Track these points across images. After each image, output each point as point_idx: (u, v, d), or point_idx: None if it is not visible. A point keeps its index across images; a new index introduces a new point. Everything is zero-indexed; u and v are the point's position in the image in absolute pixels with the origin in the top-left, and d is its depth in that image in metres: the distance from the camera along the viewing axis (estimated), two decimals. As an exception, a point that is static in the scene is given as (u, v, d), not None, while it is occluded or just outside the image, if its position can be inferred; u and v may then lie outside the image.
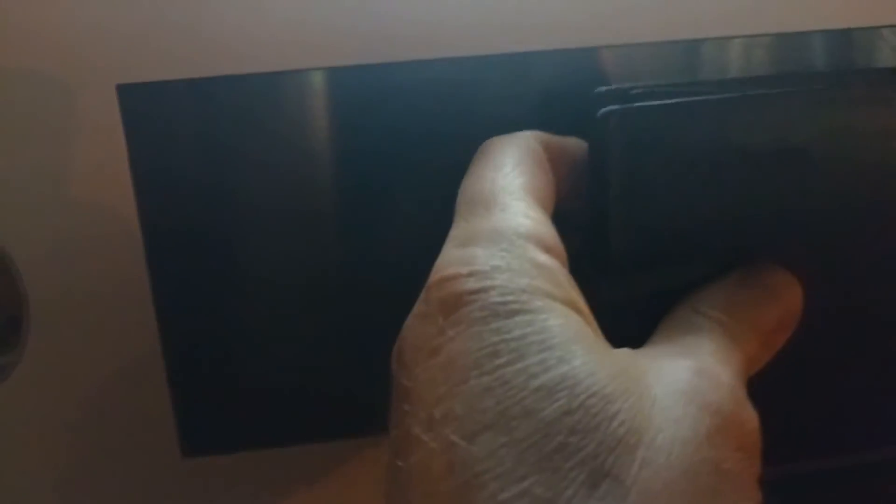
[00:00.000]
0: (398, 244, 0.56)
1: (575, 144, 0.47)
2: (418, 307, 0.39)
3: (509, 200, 0.40)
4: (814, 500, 0.60)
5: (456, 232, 0.40)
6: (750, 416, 0.36)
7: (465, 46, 0.53)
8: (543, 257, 0.38)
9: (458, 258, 0.38)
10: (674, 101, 0.43)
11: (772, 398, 0.37)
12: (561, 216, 0.43)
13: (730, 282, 0.43)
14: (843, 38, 0.58)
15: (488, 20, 0.53)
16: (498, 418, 0.32)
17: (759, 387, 0.39)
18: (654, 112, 0.43)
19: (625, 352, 0.37)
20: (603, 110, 0.43)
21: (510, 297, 0.35)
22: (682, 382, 0.35)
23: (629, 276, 0.45)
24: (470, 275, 0.36)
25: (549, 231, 0.40)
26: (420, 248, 0.55)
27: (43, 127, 0.51)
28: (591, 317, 0.38)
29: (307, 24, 0.52)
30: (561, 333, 0.34)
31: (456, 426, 0.33)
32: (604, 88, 0.45)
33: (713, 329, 0.40)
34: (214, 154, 0.53)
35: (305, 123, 0.54)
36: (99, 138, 0.51)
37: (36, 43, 0.50)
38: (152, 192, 0.53)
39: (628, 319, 0.43)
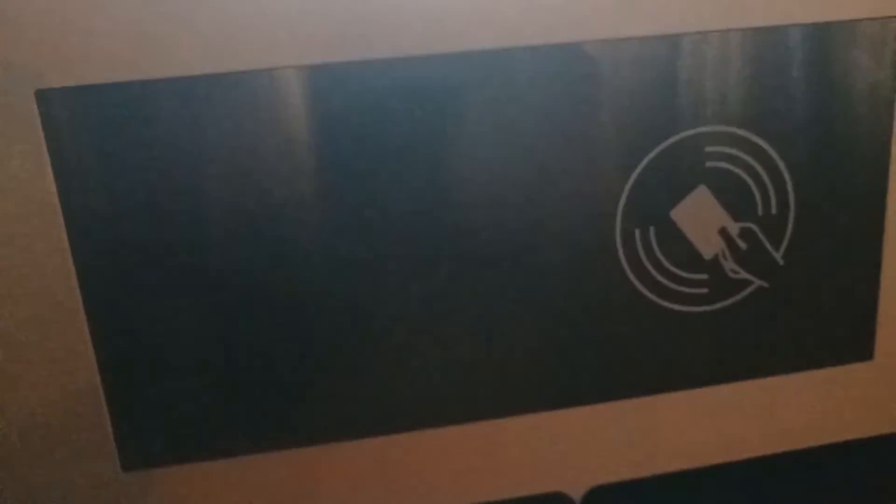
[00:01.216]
0: (348, 249, 0.54)
1: None
2: None
3: None
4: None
5: None
6: None
7: (444, 42, 0.50)
8: None
9: None
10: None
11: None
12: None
13: None
14: (818, 32, 0.55)
15: (468, 15, 0.50)
16: None
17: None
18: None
19: None
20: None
21: None
22: None
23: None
24: None
25: None
26: (372, 251, 0.55)
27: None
28: None
29: (262, 20, 0.49)
30: None
31: None
32: None
33: None
34: (144, 160, 0.50)
35: (250, 126, 0.51)
36: (19, 147, 0.49)
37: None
38: (79, 203, 0.50)
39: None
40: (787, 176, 0.56)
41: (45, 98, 0.48)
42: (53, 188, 0.50)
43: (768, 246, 0.58)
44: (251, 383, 0.56)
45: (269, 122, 0.51)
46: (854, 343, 0.62)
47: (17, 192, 0.50)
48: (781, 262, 0.58)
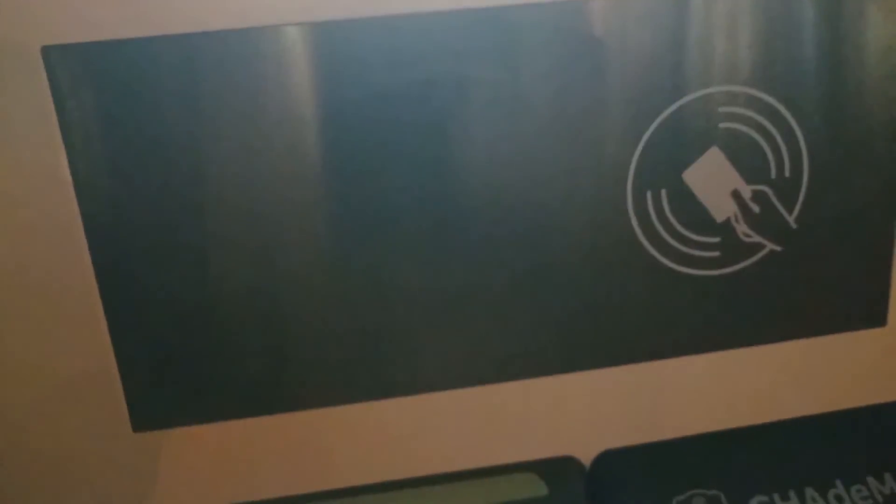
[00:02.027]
0: (353, 208, 0.54)
1: None
2: None
3: None
4: None
5: None
6: None
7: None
8: None
9: None
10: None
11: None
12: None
13: None
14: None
15: None
16: None
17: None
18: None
19: None
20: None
21: None
22: None
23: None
24: None
25: None
26: (378, 211, 0.55)
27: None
28: None
29: None
30: None
31: None
32: None
33: None
34: (153, 119, 0.50)
35: (253, 83, 0.50)
36: (26, 103, 0.49)
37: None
38: (85, 159, 0.50)
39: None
40: (801, 138, 0.56)
41: (50, 54, 0.48)
42: (60, 144, 0.49)
43: (781, 209, 0.57)
44: (261, 347, 0.56)
45: (272, 78, 0.51)
46: (867, 309, 0.61)
47: (24, 150, 0.50)
48: (794, 226, 0.58)
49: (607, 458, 0.61)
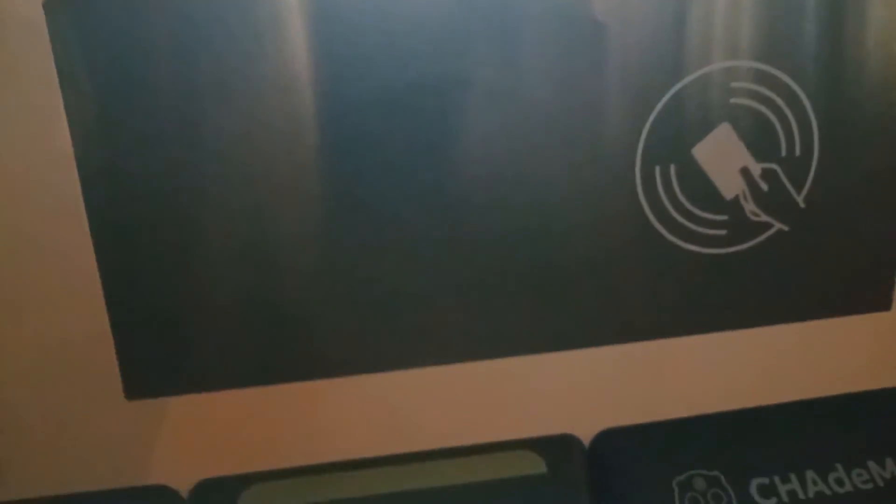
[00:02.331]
0: (348, 175, 0.53)
1: None
2: None
3: None
4: None
5: None
6: None
7: None
8: None
9: None
10: None
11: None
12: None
13: None
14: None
15: None
16: None
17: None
18: None
19: None
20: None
21: None
22: None
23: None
24: None
25: None
26: (375, 181, 0.54)
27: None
28: None
29: None
30: None
31: None
32: None
33: None
34: (148, 73, 0.49)
35: (251, 40, 0.49)
36: (28, 58, 0.48)
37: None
38: (86, 125, 0.49)
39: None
40: (812, 116, 0.55)
41: (52, 9, 0.47)
42: (60, 100, 0.48)
43: (790, 188, 0.56)
44: (259, 316, 0.55)
45: (269, 36, 0.50)
46: (872, 292, 0.61)
47: (24, 104, 0.49)
48: (803, 206, 0.57)
49: (607, 437, 0.61)
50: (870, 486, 0.58)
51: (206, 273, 0.54)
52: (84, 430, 0.55)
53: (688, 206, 0.55)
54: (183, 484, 0.57)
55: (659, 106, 0.53)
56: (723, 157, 0.55)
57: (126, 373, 0.54)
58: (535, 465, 0.59)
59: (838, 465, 0.58)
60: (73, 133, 0.49)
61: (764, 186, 0.56)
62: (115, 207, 0.51)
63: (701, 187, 0.55)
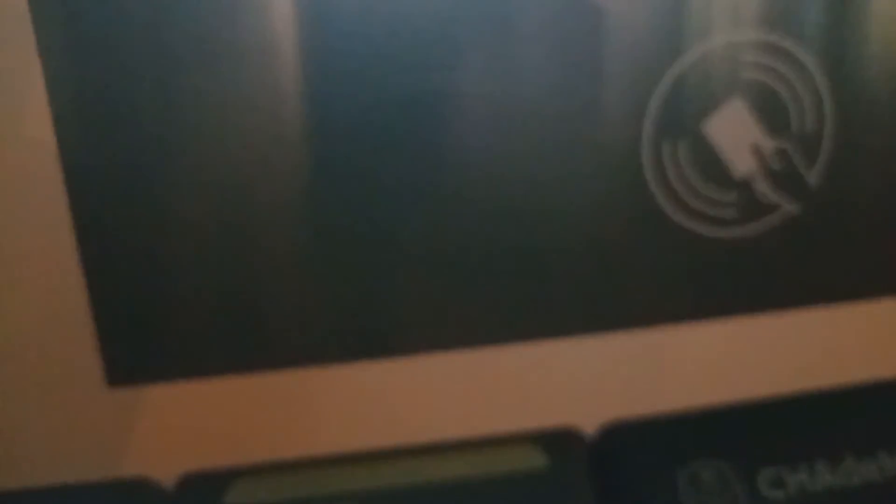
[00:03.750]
0: (337, 167, 0.50)
1: None
2: None
3: None
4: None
5: None
6: None
7: None
8: None
9: None
10: None
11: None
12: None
13: None
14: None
15: None
16: None
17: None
18: None
19: None
20: None
21: None
22: None
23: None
24: None
25: None
26: (365, 172, 0.52)
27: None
28: None
29: None
30: None
31: None
32: None
33: None
34: (148, 68, 0.47)
35: (238, 25, 0.47)
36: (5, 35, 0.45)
37: None
38: (70, 111, 0.47)
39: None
40: (827, 92, 0.53)
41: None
42: (42, 84, 0.46)
43: (802, 167, 0.54)
44: (240, 302, 0.53)
45: (253, 23, 0.47)
46: (886, 277, 0.59)
47: (3, 88, 0.46)
48: (814, 187, 0.55)
49: (610, 429, 0.59)
50: (880, 477, 0.56)
51: (191, 255, 0.52)
52: (62, 418, 0.53)
53: (696, 185, 0.54)
54: (166, 476, 0.54)
55: (666, 79, 0.51)
56: (734, 134, 0.53)
57: (108, 357, 0.52)
58: (535, 459, 0.57)
59: (848, 456, 0.57)
60: (54, 117, 0.47)
61: (775, 165, 0.54)
62: (97, 189, 0.49)
63: (710, 165, 0.53)
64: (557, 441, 0.58)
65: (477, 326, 0.56)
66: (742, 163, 0.54)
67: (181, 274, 0.52)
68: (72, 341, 0.51)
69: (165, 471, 0.54)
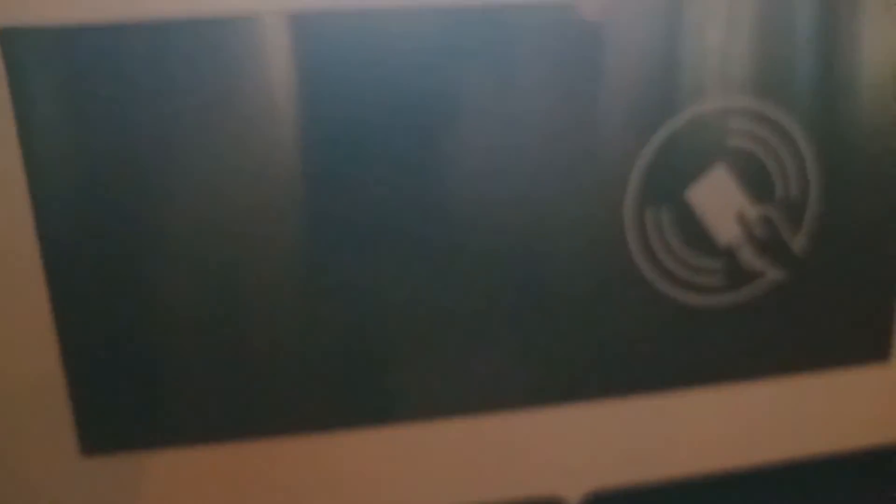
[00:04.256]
0: (331, 219, 0.50)
1: None
2: None
3: None
4: None
5: None
6: None
7: None
8: None
9: None
10: None
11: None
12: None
13: None
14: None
15: None
16: None
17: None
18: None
19: None
20: None
21: None
22: None
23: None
24: None
25: None
26: (359, 222, 0.51)
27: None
28: None
29: None
30: None
31: None
32: None
33: None
34: (118, 112, 0.46)
35: (228, 77, 0.47)
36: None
37: None
38: (42, 157, 0.46)
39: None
40: (810, 159, 0.53)
41: (9, 37, 0.44)
42: (14, 136, 0.45)
43: (786, 235, 0.54)
44: (229, 364, 0.52)
45: (248, 74, 0.47)
46: (870, 343, 0.58)
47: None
48: (799, 253, 0.55)
49: (594, 499, 0.57)
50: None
51: (174, 313, 0.50)
52: (33, 489, 0.51)
53: (680, 252, 0.53)
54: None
55: (650, 147, 0.51)
56: (718, 201, 0.53)
57: (82, 424, 0.50)
58: (518, 529, 0.56)
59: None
60: (27, 161, 0.46)
61: (760, 232, 0.54)
62: (73, 241, 0.48)
63: (694, 233, 0.53)
64: (542, 510, 0.57)
65: (462, 395, 0.55)
66: (726, 230, 0.53)
67: (163, 333, 0.51)
68: (43, 406, 0.50)
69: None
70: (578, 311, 0.54)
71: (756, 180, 0.53)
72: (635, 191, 0.52)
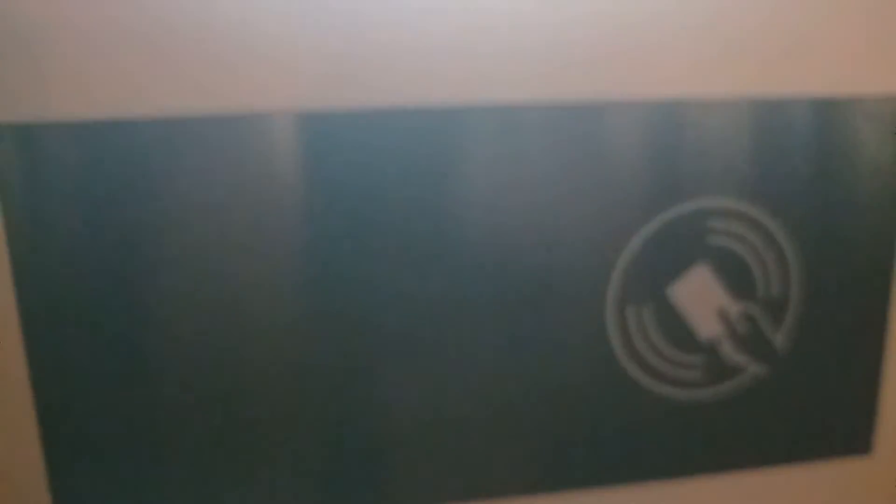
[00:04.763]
0: (334, 316, 0.50)
1: None
2: None
3: None
4: None
5: None
6: None
7: (446, 96, 0.47)
8: None
9: None
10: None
11: None
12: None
13: None
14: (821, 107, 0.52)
15: (473, 69, 0.47)
16: None
17: None
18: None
19: None
20: None
21: None
22: None
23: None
24: None
25: None
26: (361, 318, 0.50)
27: None
28: None
29: (252, 60, 0.45)
30: None
31: None
32: None
33: None
34: (107, 209, 0.46)
35: (232, 175, 0.47)
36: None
37: None
38: (28, 257, 0.46)
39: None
40: (791, 257, 0.53)
41: (23, 132, 0.44)
42: (1, 231, 0.45)
43: (767, 330, 0.54)
44: (215, 453, 0.51)
45: (256, 170, 0.47)
46: (852, 436, 0.58)
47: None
48: (779, 348, 0.55)
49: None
50: None
51: (158, 399, 0.50)
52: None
53: (661, 347, 0.53)
54: None
55: (632, 245, 0.51)
56: (700, 298, 0.53)
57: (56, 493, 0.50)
58: None
59: None
60: (12, 254, 0.46)
61: (741, 329, 0.54)
62: (56, 334, 0.48)
63: (675, 329, 0.53)
64: None
65: (443, 484, 0.55)
66: (708, 327, 0.53)
67: (135, 444, 0.50)
68: (21, 487, 0.50)
69: None
70: (564, 405, 0.54)
71: (738, 278, 0.53)
72: (617, 289, 0.52)
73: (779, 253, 0.53)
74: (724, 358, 0.54)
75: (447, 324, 0.51)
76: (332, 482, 0.53)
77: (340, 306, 0.50)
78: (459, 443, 0.54)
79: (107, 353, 0.48)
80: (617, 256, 0.51)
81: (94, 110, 0.45)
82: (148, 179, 0.46)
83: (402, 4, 0.46)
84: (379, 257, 0.49)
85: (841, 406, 0.58)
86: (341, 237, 0.49)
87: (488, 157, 0.49)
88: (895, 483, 0.60)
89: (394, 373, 0.52)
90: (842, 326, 0.56)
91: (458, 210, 0.50)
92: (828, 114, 0.52)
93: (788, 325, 0.54)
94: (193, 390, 0.50)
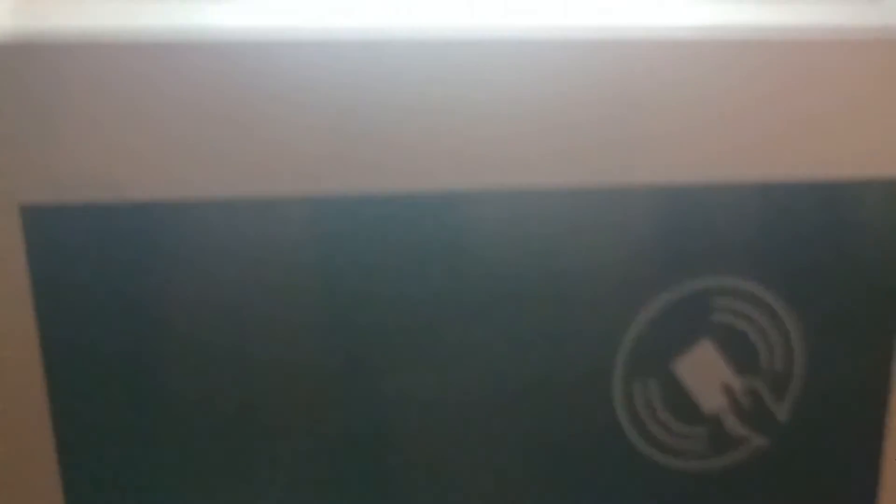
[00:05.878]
0: (344, 399, 0.52)
1: None
2: None
3: None
4: None
5: None
6: None
7: (458, 179, 0.49)
8: None
9: None
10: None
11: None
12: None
13: None
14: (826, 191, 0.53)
15: (485, 152, 0.49)
16: None
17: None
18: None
19: None
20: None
21: None
22: None
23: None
24: None
25: None
26: (368, 396, 0.52)
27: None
28: None
29: (264, 145, 0.47)
30: None
31: None
32: None
33: None
34: (134, 289, 0.48)
35: (249, 258, 0.48)
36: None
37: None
38: (58, 334, 0.48)
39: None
40: (795, 335, 0.55)
41: (30, 215, 0.46)
42: (32, 313, 0.47)
43: (769, 404, 0.56)
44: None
45: (268, 256, 0.49)
46: (855, 508, 0.60)
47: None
48: (782, 421, 0.56)
49: None
50: None
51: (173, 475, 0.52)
52: None
53: (666, 420, 0.55)
54: None
55: (638, 322, 0.53)
56: (704, 373, 0.54)
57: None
58: None
59: None
60: (44, 345, 0.48)
61: (745, 403, 0.55)
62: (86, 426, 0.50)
63: (680, 403, 0.55)
64: None
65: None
66: (712, 400, 0.55)
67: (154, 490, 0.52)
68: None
69: None
70: (570, 476, 0.55)
71: (742, 353, 0.55)
72: (623, 364, 0.53)
73: (782, 329, 0.55)
74: (727, 429, 0.56)
75: (440, 405, 0.53)
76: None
77: (349, 399, 0.52)
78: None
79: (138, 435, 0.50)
80: (622, 334, 0.53)
81: (117, 193, 0.47)
82: (164, 260, 0.48)
83: (419, 91, 0.48)
84: (389, 341, 0.51)
85: (843, 479, 0.59)
86: (351, 325, 0.50)
87: (496, 240, 0.51)
88: (896, 552, 0.61)
89: (397, 453, 0.53)
90: (844, 399, 0.57)
91: (464, 295, 0.51)
92: (833, 196, 0.53)
93: (791, 398, 0.56)
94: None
